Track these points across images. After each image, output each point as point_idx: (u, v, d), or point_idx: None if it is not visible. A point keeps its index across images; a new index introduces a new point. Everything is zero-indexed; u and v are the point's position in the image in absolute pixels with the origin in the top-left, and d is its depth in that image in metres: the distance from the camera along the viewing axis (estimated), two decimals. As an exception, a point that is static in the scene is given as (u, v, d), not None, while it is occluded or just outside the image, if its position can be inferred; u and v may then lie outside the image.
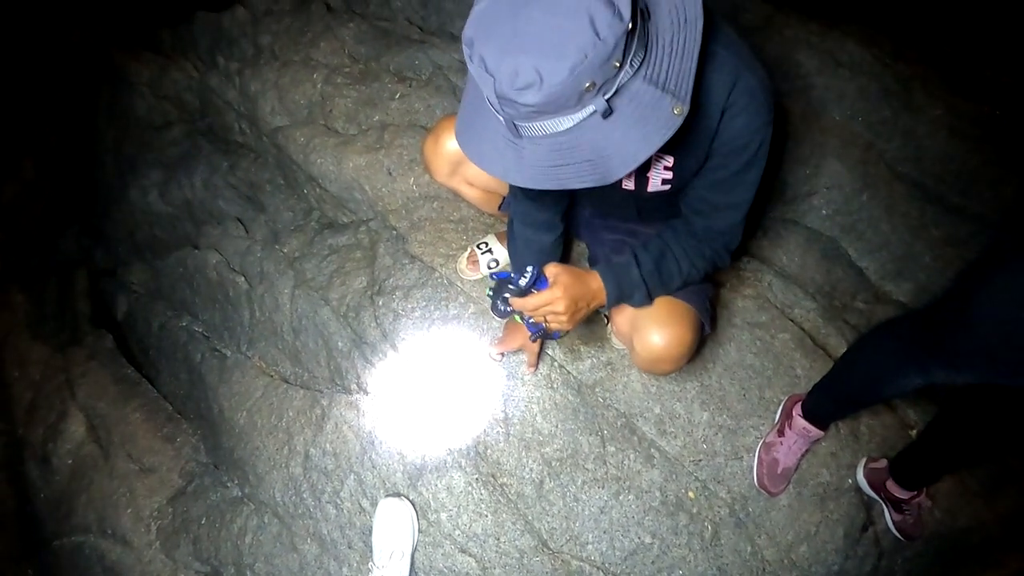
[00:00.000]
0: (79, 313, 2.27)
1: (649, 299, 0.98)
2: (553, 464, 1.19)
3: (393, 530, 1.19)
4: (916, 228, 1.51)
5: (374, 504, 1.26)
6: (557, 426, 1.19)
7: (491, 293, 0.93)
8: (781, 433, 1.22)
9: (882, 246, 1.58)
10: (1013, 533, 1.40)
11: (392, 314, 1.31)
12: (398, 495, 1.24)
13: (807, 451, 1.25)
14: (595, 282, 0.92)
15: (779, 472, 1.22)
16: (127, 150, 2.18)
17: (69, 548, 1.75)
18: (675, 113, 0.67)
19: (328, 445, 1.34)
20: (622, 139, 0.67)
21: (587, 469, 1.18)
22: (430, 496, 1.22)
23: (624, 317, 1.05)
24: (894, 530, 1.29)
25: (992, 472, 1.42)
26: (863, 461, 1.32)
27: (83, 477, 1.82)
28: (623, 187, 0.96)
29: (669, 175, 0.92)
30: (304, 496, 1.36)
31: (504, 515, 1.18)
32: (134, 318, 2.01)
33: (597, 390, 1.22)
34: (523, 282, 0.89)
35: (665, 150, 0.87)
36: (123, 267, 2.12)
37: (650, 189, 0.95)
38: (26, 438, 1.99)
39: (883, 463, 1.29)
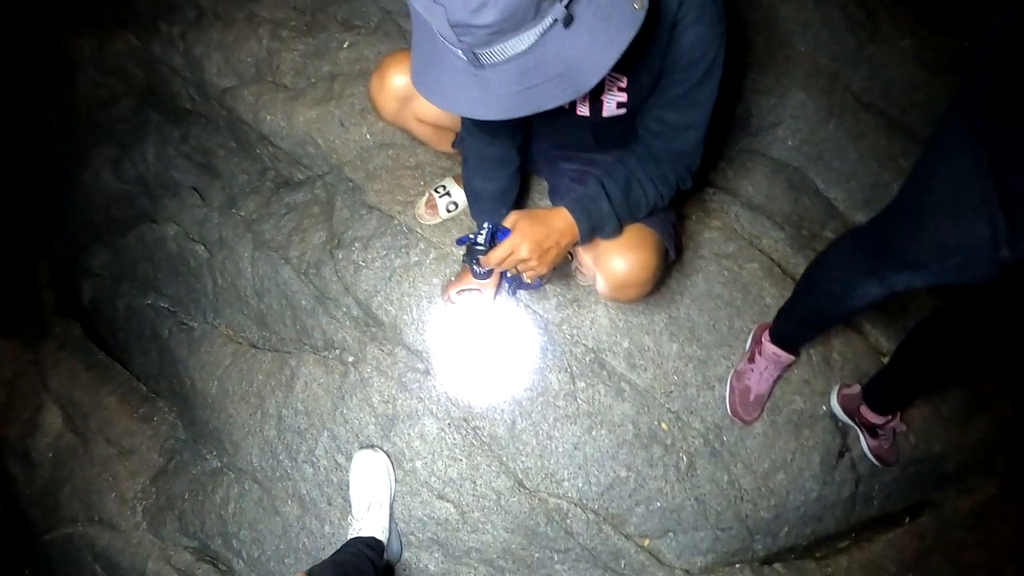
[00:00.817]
0: (44, 305, 2.21)
1: (620, 230, 0.96)
2: (524, 403, 1.18)
3: (369, 482, 1.19)
4: (884, 158, 1.49)
5: (349, 459, 1.25)
6: (526, 365, 1.18)
7: (465, 259, 0.90)
8: (752, 360, 1.21)
9: (850, 176, 1.55)
10: (986, 459, 1.43)
11: (353, 266, 1.28)
12: (372, 447, 1.23)
13: (779, 378, 1.25)
14: (560, 220, 0.89)
15: (751, 399, 1.22)
16: (75, 131, 2.09)
17: (59, 540, 1.75)
18: (636, 8, 0.64)
19: (300, 405, 1.32)
20: (588, 44, 0.64)
21: (558, 406, 1.17)
22: (404, 445, 1.21)
23: (587, 246, 1.03)
24: (870, 455, 1.31)
25: (965, 400, 1.44)
26: (836, 387, 1.32)
27: (65, 468, 1.80)
28: (578, 113, 0.93)
29: (624, 97, 0.89)
30: (280, 458, 1.35)
31: (479, 458, 1.18)
32: (100, 302, 1.96)
33: (564, 327, 1.21)
34: (481, 238, 0.87)
35: (619, 69, 0.83)
36: (84, 252, 2.05)
37: (605, 114, 0.92)
38: (4, 437, 1.97)
39: (856, 389, 1.30)
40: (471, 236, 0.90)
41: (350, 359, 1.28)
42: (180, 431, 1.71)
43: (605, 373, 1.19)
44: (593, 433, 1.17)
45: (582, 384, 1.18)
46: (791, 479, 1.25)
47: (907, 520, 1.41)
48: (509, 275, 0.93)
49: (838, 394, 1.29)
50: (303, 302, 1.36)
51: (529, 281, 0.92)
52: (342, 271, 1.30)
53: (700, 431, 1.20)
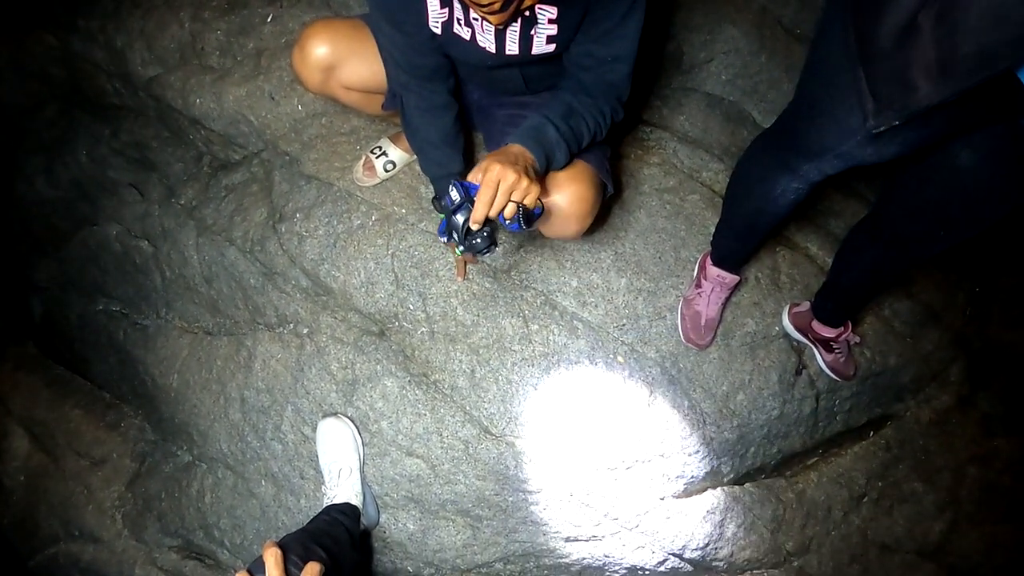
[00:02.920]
0: (-5, 327, 2.14)
1: (569, 158, 0.96)
2: (481, 352, 1.19)
3: (336, 449, 1.19)
4: (819, 83, 1.53)
5: (316, 430, 1.25)
6: (479, 315, 1.20)
7: (446, 240, 0.84)
8: (699, 286, 1.25)
9: (785, 105, 1.59)
10: (941, 369, 1.49)
11: (297, 238, 1.27)
12: (335, 414, 1.23)
13: (727, 300, 1.28)
14: (516, 148, 0.88)
15: (703, 324, 1.25)
16: (1, 142, 2.00)
17: (45, 563, 1.72)
18: None
19: (260, 384, 1.31)
20: None
21: (514, 351, 1.19)
22: (367, 408, 1.22)
23: None
24: (827, 370, 1.36)
25: (915, 313, 1.50)
26: (787, 307, 1.37)
27: (38, 488, 1.77)
28: (507, 52, 0.94)
29: (554, 30, 0.90)
30: (249, 440, 1.34)
31: (442, 410, 1.20)
32: (51, 316, 1.91)
33: (512, 273, 1.22)
34: (454, 193, 0.81)
35: (548, 1, 0.85)
36: (27, 267, 1.99)
37: (535, 51, 0.93)
38: (-28, 468, 1.91)
39: (806, 306, 1.34)
40: (445, 202, 0.82)
41: (305, 331, 1.28)
42: (148, 432, 1.69)
43: (557, 313, 1.21)
44: (552, 373, 1.19)
45: (535, 327, 1.19)
46: (751, 399, 1.30)
47: (871, 433, 1.48)
48: (507, 221, 0.84)
49: (789, 313, 1.34)
50: (252, 281, 1.35)
51: (532, 207, 0.83)
52: (287, 244, 1.28)
53: (656, 360, 1.23)
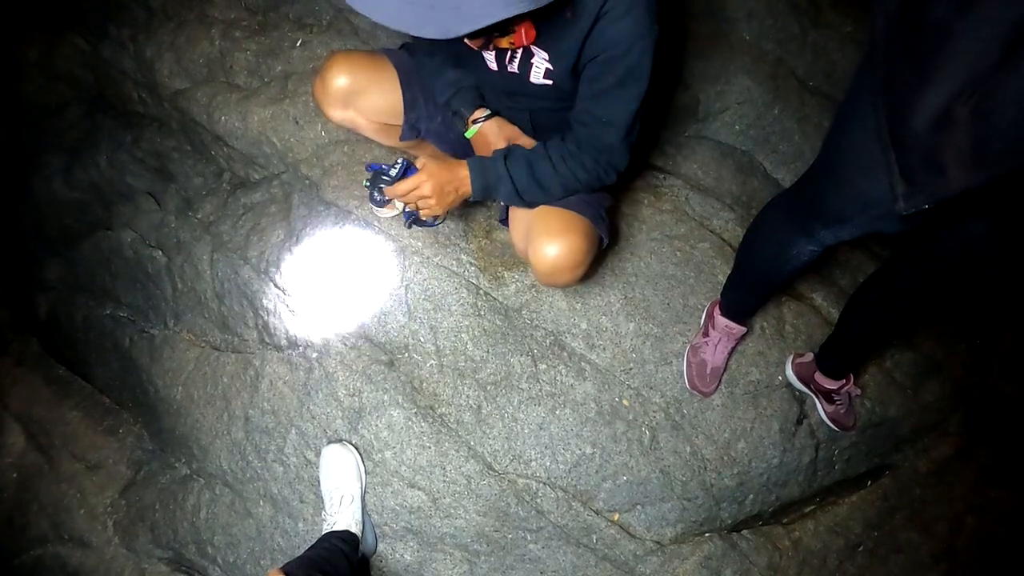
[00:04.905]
0: (-1, 321, 2.13)
1: (518, 195, 0.99)
2: (488, 388, 1.20)
3: (338, 476, 1.19)
4: (829, 137, 1.57)
5: (319, 454, 1.25)
6: (488, 351, 1.21)
7: (367, 184, 0.97)
8: (706, 334, 1.26)
9: (796, 157, 1.63)
10: (940, 420, 1.50)
11: (312, 263, 1.28)
12: (340, 441, 1.23)
13: (733, 349, 1.30)
14: (463, 171, 0.95)
15: (708, 372, 1.27)
16: (23, 140, 2.02)
17: (30, 563, 1.69)
18: None
19: (266, 404, 1.31)
20: None
21: (522, 389, 1.20)
22: (372, 437, 1.22)
23: (519, 233, 1.07)
24: (828, 421, 1.37)
25: (916, 364, 1.52)
26: (791, 357, 1.39)
27: (30, 487, 1.75)
28: (508, 70, 0.97)
29: (549, 67, 0.94)
30: (250, 459, 1.34)
31: (447, 444, 1.20)
32: (57, 316, 1.90)
33: (523, 312, 1.24)
34: (394, 172, 0.94)
35: (540, 45, 0.89)
36: (37, 265, 1.99)
37: (533, 79, 0.96)
38: (-36, 460, 1.89)
39: (810, 357, 1.36)
40: (383, 166, 0.98)
41: (314, 355, 1.28)
42: (147, 441, 1.67)
43: (565, 354, 1.22)
44: (557, 413, 1.20)
45: (544, 366, 1.20)
46: (752, 447, 1.31)
47: (869, 483, 1.49)
48: (408, 208, 1.03)
49: (792, 363, 1.36)
50: (264, 301, 1.35)
51: (424, 218, 1.02)
52: (301, 268, 1.29)
53: (661, 405, 1.24)
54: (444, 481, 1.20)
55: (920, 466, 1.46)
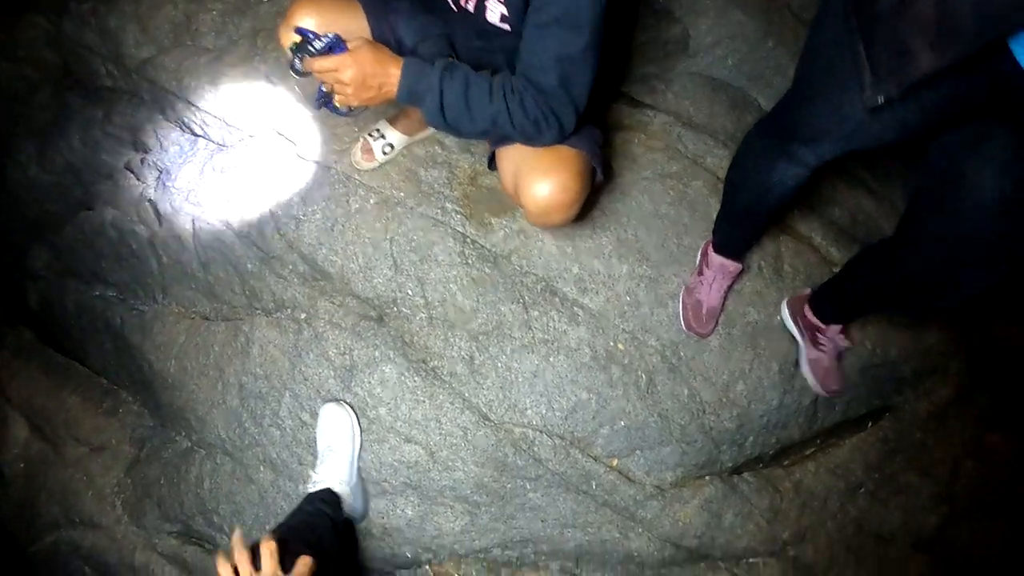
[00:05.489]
0: (-9, 315, 2.12)
1: (441, 113, 0.89)
2: (480, 338, 1.17)
3: (331, 433, 1.18)
4: (825, 69, 1.50)
5: (314, 415, 1.24)
6: (478, 300, 1.18)
7: (293, 48, 0.88)
8: (700, 273, 1.22)
9: (790, 90, 1.56)
10: (941, 364, 1.46)
11: (294, 221, 1.25)
12: (337, 401, 1.21)
13: (730, 289, 1.26)
14: (395, 68, 0.87)
15: (704, 313, 1.23)
16: (-5, 126, 1.96)
17: (45, 550, 1.72)
18: None
19: (258, 369, 1.30)
20: None
21: (514, 337, 1.17)
22: (365, 394, 1.21)
23: (508, 171, 1.02)
24: (807, 373, 1.27)
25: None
26: (788, 296, 1.35)
27: (38, 476, 1.76)
28: (465, 6, 0.91)
29: (504, 11, 0.88)
30: (247, 426, 1.33)
31: (441, 397, 1.18)
32: (48, 303, 1.89)
33: (513, 259, 1.20)
34: (319, 44, 0.85)
35: None
36: (22, 254, 1.96)
37: (489, 19, 0.90)
38: (-29, 457, 1.91)
39: (807, 291, 1.31)
40: (311, 33, 0.88)
41: (302, 316, 1.26)
42: (147, 418, 1.67)
43: (557, 300, 1.19)
44: (551, 360, 1.17)
45: (535, 313, 1.17)
46: (751, 389, 1.28)
47: (869, 424, 1.46)
48: (324, 88, 0.93)
49: (787, 300, 1.31)
50: (249, 266, 1.32)
51: (338, 105, 0.92)
52: (284, 228, 1.26)
53: (657, 348, 1.22)
54: (440, 434, 1.19)
55: (921, 409, 1.44)
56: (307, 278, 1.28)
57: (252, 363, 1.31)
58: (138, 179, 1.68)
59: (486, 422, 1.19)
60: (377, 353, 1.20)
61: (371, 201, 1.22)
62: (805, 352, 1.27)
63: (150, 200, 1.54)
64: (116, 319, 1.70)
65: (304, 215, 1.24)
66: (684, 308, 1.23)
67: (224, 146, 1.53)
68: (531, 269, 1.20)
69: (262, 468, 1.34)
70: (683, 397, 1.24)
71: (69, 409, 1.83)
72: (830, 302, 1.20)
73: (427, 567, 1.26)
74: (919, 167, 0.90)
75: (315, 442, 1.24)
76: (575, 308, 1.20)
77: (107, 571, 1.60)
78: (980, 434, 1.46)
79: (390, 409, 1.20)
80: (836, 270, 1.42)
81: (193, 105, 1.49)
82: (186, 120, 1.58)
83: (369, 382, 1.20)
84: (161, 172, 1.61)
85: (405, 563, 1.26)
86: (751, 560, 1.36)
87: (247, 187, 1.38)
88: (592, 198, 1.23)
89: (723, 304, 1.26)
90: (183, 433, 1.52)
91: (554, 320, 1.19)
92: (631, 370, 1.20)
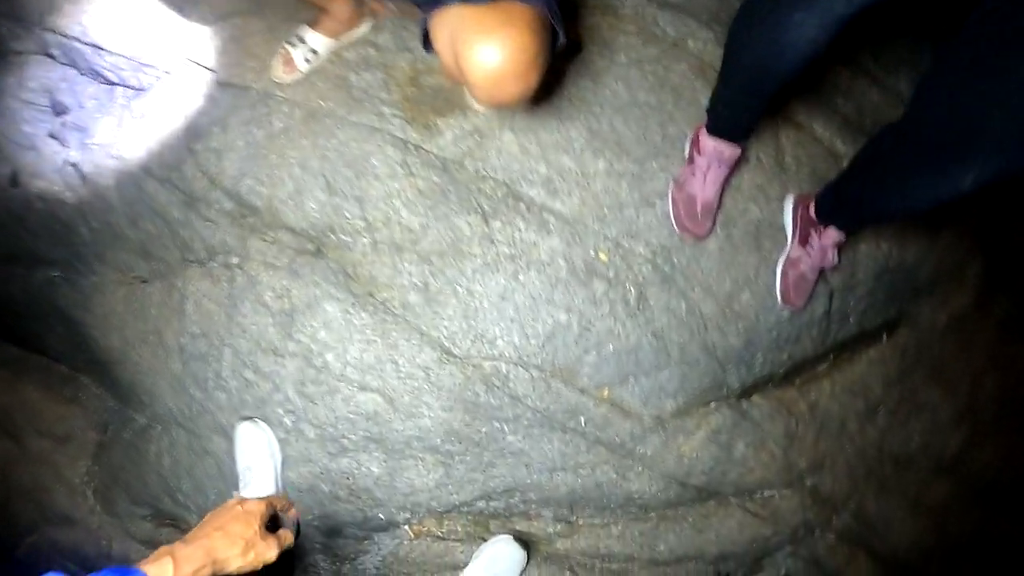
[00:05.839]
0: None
1: None
2: (434, 260, 0.99)
3: (249, 454, 1.04)
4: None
5: (257, 372, 1.06)
6: (427, 215, 0.98)
7: None
8: (692, 162, 1.01)
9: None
10: (958, 268, 1.28)
11: (214, 155, 1.06)
12: (250, 419, 1.07)
13: (726, 181, 1.05)
14: None
15: (699, 209, 1.03)
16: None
17: (27, 551, 1.61)
18: None
19: (195, 328, 1.12)
20: None
21: (474, 255, 0.99)
22: (309, 340, 1.02)
23: (444, 41, 0.78)
24: (778, 270, 1.06)
25: (932, 210, 1.28)
26: (794, 192, 1.14)
27: (8, 476, 1.64)
28: None
29: None
30: (193, 393, 1.17)
31: (395, 334, 1.00)
32: None
33: (466, 163, 0.99)
34: None
35: None
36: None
37: None
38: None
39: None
40: None
41: (235, 261, 1.08)
42: (107, 399, 1.53)
43: (523, 206, 1.00)
44: (520, 278, 0.98)
45: (497, 224, 0.98)
46: (758, 299, 1.08)
47: (886, 338, 1.26)
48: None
49: (797, 194, 1.10)
50: (175, 213, 1.15)
51: None
52: (204, 164, 1.07)
53: (646, 256, 1.02)
54: (398, 377, 1.00)
55: (938, 319, 1.28)
56: (235, 216, 1.09)
57: (188, 321, 1.13)
58: (60, 143, 1.53)
59: (450, 358, 1.01)
60: (318, 291, 1.01)
61: (296, 116, 1.01)
62: (788, 250, 1.06)
63: (72, 164, 1.39)
64: (60, 299, 1.54)
65: (224, 145, 1.04)
66: (675, 205, 1.03)
67: (141, 89, 1.35)
68: (489, 173, 0.99)
69: (215, 437, 1.18)
70: (680, 312, 1.04)
71: (29, 402, 1.69)
72: (832, 195, 0.98)
73: (406, 527, 1.11)
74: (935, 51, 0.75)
75: (263, 402, 1.08)
76: (545, 215, 1.00)
77: (88, 565, 1.51)
78: (1000, 346, 1.31)
79: (338, 354, 1.00)
80: (843, 165, 1.20)
81: (102, 50, 1.30)
82: (98, 69, 1.39)
83: (312, 326, 1.01)
84: (82, 131, 1.46)
85: (381, 525, 1.11)
86: (766, 493, 1.18)
87: (165, 128, 1.21)
88: (555, 80, 1.00)
89: (720, 200, 1.05)
90: (138, 410, 1.38)
91: (520, 231, 0.98)
92: (617, 283, 1.01)
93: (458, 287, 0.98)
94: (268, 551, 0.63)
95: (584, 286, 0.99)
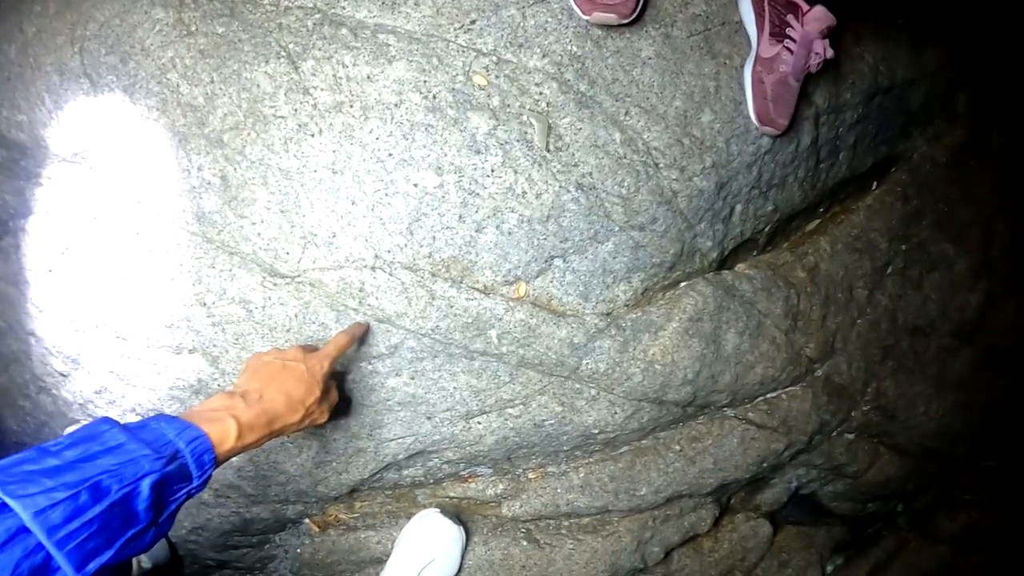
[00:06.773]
0: None
1: None
2: (227, 140, 0.60)
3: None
4: None
5: (68, 361, 0.75)
6: (213, 79, 0.60)
7: None
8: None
9: None
10: (948, 97, 1.07)
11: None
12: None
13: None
14: None
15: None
16: None
17: None
18: None
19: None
20: None
21: (283, 119, 0.61)
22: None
23: None
24: (747, 79, 0.71)
25: (917, 25, 0.97)
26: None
27: None
28: None
29: None
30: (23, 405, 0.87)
31: (193, 262, 0.63)
32: None
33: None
34: None
35: None
36: None
37: None
38: None
39: None
40: None
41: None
42: None
43: (345, 33, 0.62)
44: (356, 135, 0.62)
45: (310, 64, 0.63)
46: (725, 119, 0.70)
47: (882, 181, 1.02)
48: None
49: None
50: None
51: None
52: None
53: (546, 71, 0.65)
54: (213, 324, 0.63)
55: (937, 157, 1.08)
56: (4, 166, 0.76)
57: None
58: None
59: (276, 280, 0.64)
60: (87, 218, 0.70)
61: (49, 11, 0.66)
62: (756, 48, 0.70)
63: None
64: None
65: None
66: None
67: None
68: (293, 0, 0.63)
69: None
70: (614, 147, 0.66)
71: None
72: None
73: (305, 521, 0.81)
74: None
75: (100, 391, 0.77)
76: (380, 36, 0.61)
77: None
78: (1006, 188, 1.14)
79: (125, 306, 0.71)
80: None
81: None
82: None
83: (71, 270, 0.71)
84: None
85: (272, 527, 0.80)
86: (770, 396, 0.84)
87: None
88: None
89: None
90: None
91: (347, 67, 0.60)
92: (507, 116, 0.63)
93: (269, 172, 0.61)
94: (321, 418, 0.57)
95: (457, 127, 0.62)
